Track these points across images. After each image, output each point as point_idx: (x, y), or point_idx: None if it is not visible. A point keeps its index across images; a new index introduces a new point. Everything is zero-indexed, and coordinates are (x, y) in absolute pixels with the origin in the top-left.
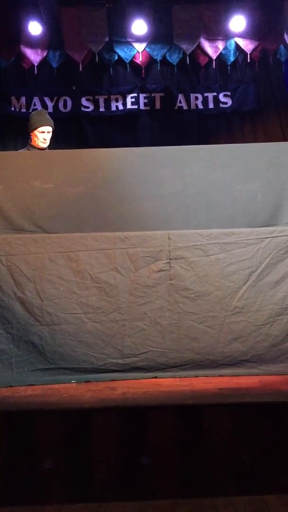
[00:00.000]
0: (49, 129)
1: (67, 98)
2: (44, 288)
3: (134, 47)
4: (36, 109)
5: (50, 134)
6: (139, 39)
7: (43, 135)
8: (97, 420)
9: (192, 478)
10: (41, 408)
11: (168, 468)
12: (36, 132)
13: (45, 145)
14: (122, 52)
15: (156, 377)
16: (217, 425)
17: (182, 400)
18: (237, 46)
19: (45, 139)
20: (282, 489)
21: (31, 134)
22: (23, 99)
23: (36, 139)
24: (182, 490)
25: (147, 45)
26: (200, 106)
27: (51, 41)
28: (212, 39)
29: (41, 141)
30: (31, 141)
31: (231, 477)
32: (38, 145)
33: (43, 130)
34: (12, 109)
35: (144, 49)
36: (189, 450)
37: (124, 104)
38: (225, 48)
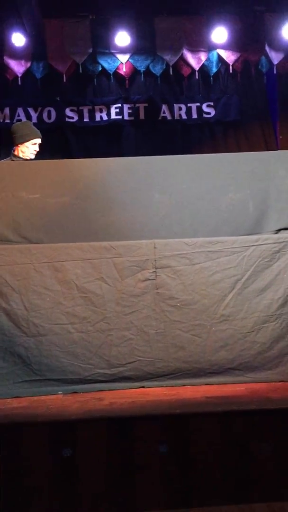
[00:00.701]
0: (40, 141)
1: (51, 109)
2: (30, 298)
3: (117, 58)
4: (20, 120)
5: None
6: (122, 51)
7: (34, 147)
8: (83, 431)
9: (180, 488)
10: (27, 420)
11: (155, 478)
12: (27, 144)
13: (34, 156)
14: (106, 63)
15: (143, 387)
16: (204, 434)
17: (169, 409)
18: (219, 58)
19: (35, 151)
20: (270, 497)
21: (19, 145)
22: (7, 110)
23: (26, 150)
24: (170, 501)
25: (131, 56)
26: (184, 116)
27: (35, 52)
28: (194, 50)
29: (31, 153)
30: (14, 151)
31: (219, 486)
32: (27, 156)
33: (35, 142)
34: None
35: (128, 60)
36: (176, 460)
37: (108, 114)
38: (208, 59)
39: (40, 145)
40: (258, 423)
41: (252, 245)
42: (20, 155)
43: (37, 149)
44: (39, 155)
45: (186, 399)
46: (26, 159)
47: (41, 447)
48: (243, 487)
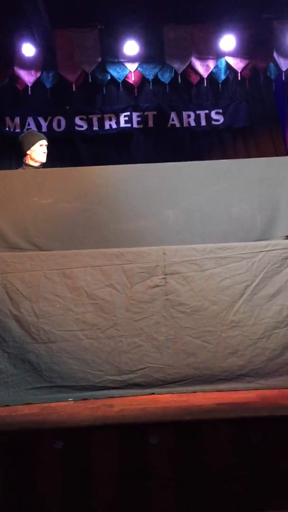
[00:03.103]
0: (46, 142)
1: (61, 118)
2: (40, 305)
3: (126, 67)
4: (30, 128)
5: (46, 150)
6: (131, 59)
7: (42, 149)
8: (95, 438)
9: (192, 496)
10: (38, 427)
11: (167, 485)
12: (34, 147)
13: (45, 158)
14: (115, 72)
15: (153, 393)
16: (216, 441)
17: (180, 416)
18: (228, 65)
19: (45, 152)
20: (284, 506)
21: (28, 152)
22: (17, 120)
23: (35, 154)
24: (182, 508)
25: (139, 65)
26: (193, 124)
27: (45, 62)
28: (203, 58)
29: (41, 155)
30: (25, 160)
31: (232, 493)
32: (39, 160)
33: (42, 144)
34: (7, 129)
35: (136, 68)
36: (187, 467)
37: (118, 123)
38: (216, 66)
39: (50, 154)
40: (270, 429)
41: (262, 251)
42: (31, 162)
43: (45, 151)
44: (49, 163)
45: (197, 405)
46: (38, 165)
47: (52, 453)
48: (256, 494)
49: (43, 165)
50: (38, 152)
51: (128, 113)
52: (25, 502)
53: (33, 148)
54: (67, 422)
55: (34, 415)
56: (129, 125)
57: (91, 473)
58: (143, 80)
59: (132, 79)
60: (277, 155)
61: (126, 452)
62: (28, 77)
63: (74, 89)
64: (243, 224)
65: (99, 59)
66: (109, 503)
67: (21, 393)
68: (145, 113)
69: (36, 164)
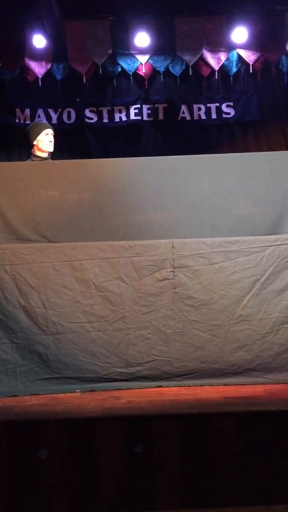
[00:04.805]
0: (52, 131)
1: (71, 110)
2: (49, 297)
3: (137, 59)
4: (41, 120)
5: (53, 139)
6: (142, 51)
7: (48, 138)
8: (101, 429)
9: (198, 488)
10: (45, 418)
11: (173, 478)
12: (40, 137)
13: (52, 147)
14: (125, 64)
15: (160, 386)
16: (222, 434)
17: (187, 409)
18: (239, 57)
19: (51, 141)
20: None
21: (35, 142)
22: (27, 111)
23: (41, 143)
24: (188, 500)
25: (150, 57)
26: (203, 117)
27: (55, 53)
28: (214, 50)
29: (48, 144)
30: (33, 152)
31: (237, 486)
32: (46, 149)
33: (47, 133)
34: (17, 120)
35: (147, 61)
36: (194, 460)
37: (128, 115)
38: (228, 59)
39: (59, 146)
40: (276, 424)
41: (271, 245)
42: (38, 153)
43: (52, 140)
44: (59, 155)
45: (203, 399)
46: (46, 155)
47: (59, 444)
48: (261, 488)
49: (52, 156)
50: (44, 142)
51: (138, 106)
52: (31, 492)
53: (38, 138)
54: (74, 413)
55: (42, 406)
56: (139, 117)
57: (97, 464)
58: (153, 72)
59: (142, 71)
60: None
61: (132, 444)
62: (38, 68)
63: (84, 81)
64: (253, 218)
65: (110, 51)
66: (115, 494)
67: (29, 383)
68: (156, 106)
69: (44, 155)
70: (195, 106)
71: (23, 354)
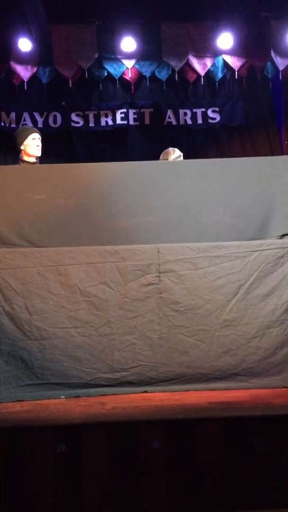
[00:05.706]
0: (39, 136)
1: (57, 114)
2: (33, 302)
3: (123, 63)
4: (26, 124)
5: (40, 143)
6: (128, 56)
7: (35, 142)
8: (86, 435)
9: (184, 495)
10: (30, 424)
11: (158, 484)
12: (27, 141)
13: (40, 152)
14: (112, 69)
15: (146, 392)
16: (208, 440)
17: (172, 415)
18: (225, 63)
19: (38, 146)
20: (276, 505)
21: (22, 147)
22: (13, 115)
23: (29, 148)
24: (174, 507)
25: (136, 61)
26: (189, 122)
27: (41, 57)
28: (200, 56)
29: (35, 149)
30: (21, 157)
31: (223, 491)
32: (33, 154)
33: (34, 137)
34: (2, 124)
35: (133, 65)
36: (179, 465)
37: (114, 119)
38: (213, 65)
39: (45, 150)
40: (262, 428)
41: (256, 250)
42: (26, 158)
43: (39, 144)
44: (45, 159)
45: (189, 404)
46: (34, 160)
47: (43, 451)
48: (247, 493)
49: (39, 160)
50: (31, 146)
51: (124, 110)
52: (16, 499)
53: (25, 142)
54: (59, 420)
55: (26, 412)
56: (125, 122)
57: (83, 471)
58: (140, 77)
59: (129, 75)
60: (273, 154)
61: (117, 450)
62: (24, 72)
63: (70, 85)
64: (238, 222)
65: (96, 55)
66: (101, 500)
67: (13, 390)
68: (142, 110)
69: (32, 160)
70: (181, 111)
71: (6, 360)
